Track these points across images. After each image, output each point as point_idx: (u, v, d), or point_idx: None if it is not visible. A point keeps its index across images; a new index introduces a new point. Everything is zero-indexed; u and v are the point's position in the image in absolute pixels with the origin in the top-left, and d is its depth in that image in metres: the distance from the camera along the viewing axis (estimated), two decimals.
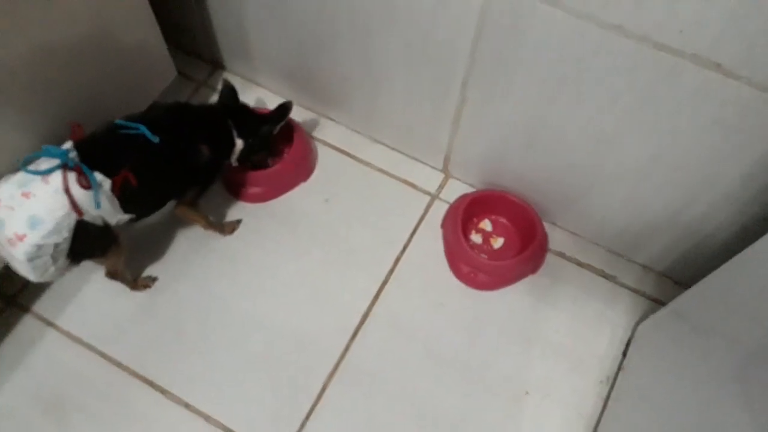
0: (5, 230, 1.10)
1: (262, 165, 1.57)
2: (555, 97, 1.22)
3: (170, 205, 1.42)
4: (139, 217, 1.32)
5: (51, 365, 1.41)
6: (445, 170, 1.65)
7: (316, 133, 1.71)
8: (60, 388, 1.38)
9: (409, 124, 1.57)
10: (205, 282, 1.51)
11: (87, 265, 1.34)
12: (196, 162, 1.33)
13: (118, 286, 1.46)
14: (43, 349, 1.42)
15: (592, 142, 1.27)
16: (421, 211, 1.61)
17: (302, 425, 1.36)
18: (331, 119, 1.73)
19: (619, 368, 1.41)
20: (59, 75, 1.25)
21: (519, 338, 1.46)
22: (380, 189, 1.64)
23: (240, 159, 1.45)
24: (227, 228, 1.56)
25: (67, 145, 1.17)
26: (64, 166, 1.13)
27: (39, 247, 1.11)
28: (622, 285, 1.53)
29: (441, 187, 1.64)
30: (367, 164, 1.68)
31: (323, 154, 1.69)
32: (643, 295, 1.51)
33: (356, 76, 1.51)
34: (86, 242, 1.20)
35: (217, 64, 1.80)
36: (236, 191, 1.61)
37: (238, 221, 1.58)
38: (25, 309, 1.46)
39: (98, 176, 1.16)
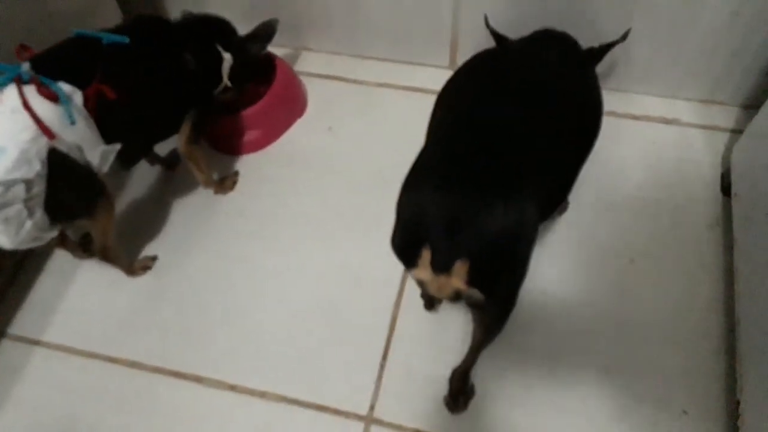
0: None
1: (233, 106, 1.31)
2: None
3: (160, 173, 1.15)
4: (127, 154, 1.07)
5: (48, 388, 1.10)
6: (452, 64, 1.44)
7: (297, 68, 1.49)
8: (67, 410, 1.07)
9: (402, 26, 1.38)
10: (218, 248, 1.24)
11: (66, 264, 1.16)
12: (181, 73, 1.09)
13: (110, 278, 1.19)
14: (32, 372, 1.12)
15: None
16: None
17: (380, 374, 1.08)
18: (309, 49, 1.52)
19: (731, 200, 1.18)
20: None
21: (607, 202, 1.23)
22: (384, 103, 1.43)
23: (232, 77, 1.19)
24: (227, 183, 1.30)
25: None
26: (17, 80, 0.89)
27: (6, 186, 0.85)
28: (688, 124, 1.33)
29: None
30: (362, 83, 1.46)
31: (312, 86, 1.47)
32: (712, 128, 1.31)
33: None
34: (66, 188, 0.95)
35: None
36: (228, 145, 1.37)
37: (236, 173, 1.33)
38: None
39: (65, 87, 0.93)
